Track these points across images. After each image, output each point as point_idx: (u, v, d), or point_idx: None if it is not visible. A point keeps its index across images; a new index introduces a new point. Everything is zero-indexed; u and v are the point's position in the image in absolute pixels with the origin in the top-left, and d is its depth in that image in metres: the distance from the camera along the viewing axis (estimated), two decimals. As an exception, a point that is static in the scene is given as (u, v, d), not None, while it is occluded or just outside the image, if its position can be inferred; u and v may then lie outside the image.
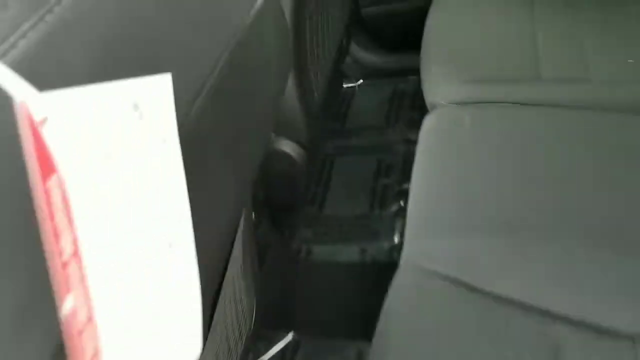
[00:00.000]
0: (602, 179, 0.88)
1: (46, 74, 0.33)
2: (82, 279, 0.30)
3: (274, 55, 0.60)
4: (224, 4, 0.51)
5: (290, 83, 1.12)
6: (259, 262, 1.20)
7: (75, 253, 0.30)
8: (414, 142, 1.04)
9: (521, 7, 1.23)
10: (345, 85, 1.77)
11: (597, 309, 0.72)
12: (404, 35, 1.64)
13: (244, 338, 0.89)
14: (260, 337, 1.18)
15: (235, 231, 0.79)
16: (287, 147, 1.22)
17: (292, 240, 1.40)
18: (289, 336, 1.19)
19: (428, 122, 1.04)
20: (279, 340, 1.19)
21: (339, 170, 1.54)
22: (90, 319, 0.31)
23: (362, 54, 1.77)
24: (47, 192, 0.28)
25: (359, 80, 1.78)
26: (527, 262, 0.79)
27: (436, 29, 1.23)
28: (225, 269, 0.76)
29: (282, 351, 1.18)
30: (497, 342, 0.71)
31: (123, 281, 0.32)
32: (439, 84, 1.10)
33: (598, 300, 0.73)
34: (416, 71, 1.27)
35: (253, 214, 1.20)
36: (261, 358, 1.15)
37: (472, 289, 0.76)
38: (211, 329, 0.71)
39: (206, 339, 0.69)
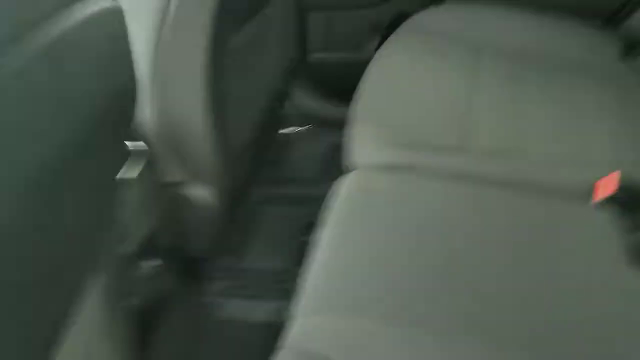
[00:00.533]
0: (517, 275, 0.81)
1: None
2: None
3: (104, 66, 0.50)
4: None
5: (201, 127, 1.03)
6: (157, 315, 1.08)
7: None
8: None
9: (465, 72, 1.19)
10: (283, 131, 1.69)
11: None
12: (351, 86, 1.58)
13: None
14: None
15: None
16: (201, 191, 1.12)
17: (203, 292, 1.28)
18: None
19: (342, 185, 0.97)
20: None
21: (265, 221, 1.45)
22: None
23: (305, 100, 1.70)
24: None
25: (298, 127, 1.71)
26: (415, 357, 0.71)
27: (370, 84, 1.17)
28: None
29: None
30: None
31: None
32: (360, 144, 1.04)
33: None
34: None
35: (159, 261, 1.09)
36: None
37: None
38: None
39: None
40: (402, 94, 1.15)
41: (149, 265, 1.00)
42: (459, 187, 0.95)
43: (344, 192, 0.95)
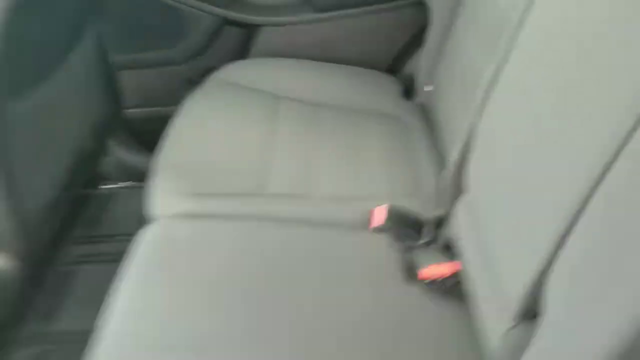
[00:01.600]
0: (300, 299, 0.89)
1: None
2: None
3: None
4: None
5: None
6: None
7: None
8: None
9: (264, 121, 1.26)
10: (104, 187, 1.67)
11: None
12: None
13: None
14: None
15: None
16: (-3, 259, 1.08)
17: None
18: None
19: (143, 236, 0.99)
20: None
21: (80, 281, 1.41)
22: None
23: (125, 156, 1.69)
24: None
25: (118, 183, 1.69)
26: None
27: (173, 136, 1.22)
28: None
29: None
30: None
31: None
32: (161, 195, 1.06)
33: None
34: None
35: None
36: None
37: None
38: None
39: None
40: (203, 145, 1.20)
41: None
42: (256, 229, 1.01)
43: (144, 242, 0.97)
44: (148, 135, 1.70)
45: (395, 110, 1.37)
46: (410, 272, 0.93)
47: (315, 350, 0.81)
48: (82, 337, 1.26)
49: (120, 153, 1.70)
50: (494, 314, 0.76)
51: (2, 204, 1.00)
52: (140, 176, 1.70)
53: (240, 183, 1.09)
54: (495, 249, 0.78)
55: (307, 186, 1.11)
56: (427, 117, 1.32)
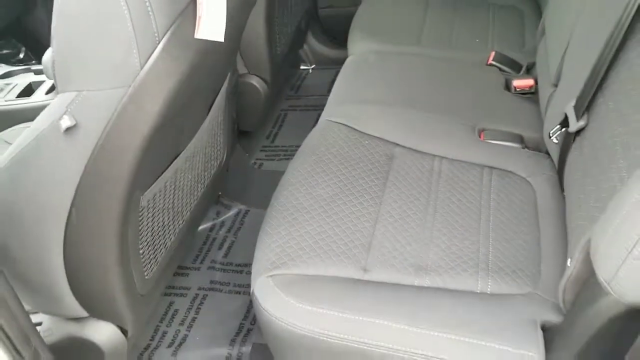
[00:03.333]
0: (441, 89, 1.53)
1: None
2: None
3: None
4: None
5: (262, 35, 1.71)
6: (225, 164, 1.74)
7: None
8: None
9: (420, 6, 1.87)
10: (302, 67, 2.36)
11: (420, 143, 1.30)
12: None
13: (218, 161, 1.43)
14: (222, 204, 1.72)
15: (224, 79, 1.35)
16: (255, 81, 1.80)
17: (250, 158, 1.95)
18: (242, 206, 1.74)
19: (348, 60, 1.64)
20: (234, 207, 1.73)
21: (289, 121, 2.11)
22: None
23: (316, 45, 2.37)
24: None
25: (312, 65, 2.37)
26: (389, 116, 1.39)
27: (362, 15, 1.85)
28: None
29: (236, 214, 1.72)
30: (360, 157, 1.28)
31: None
32: (357, 40, 1.71)
33: (422, 138, 1.32)
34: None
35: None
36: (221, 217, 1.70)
37: (356, 131, 1.34)
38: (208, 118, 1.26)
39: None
40: (383, 16, 1.83)
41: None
42: (413, 59, 1.64)
43: (349, 62, 1.64)
44: (333, 29, 2.36)
45: (516, 4, 1.89)
46: (508, 85, 1.50)
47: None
48: (290, 149, 1.96)
49: (312, 43, 2.37)
50: (547, 89, 1.31)
51: (266, 43, 1.70)
52: (324, 60, 2.38)
53: (406, 37, 1.72)
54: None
55: (447, 41, 1.71)
56: (539, 7, 1.84)
